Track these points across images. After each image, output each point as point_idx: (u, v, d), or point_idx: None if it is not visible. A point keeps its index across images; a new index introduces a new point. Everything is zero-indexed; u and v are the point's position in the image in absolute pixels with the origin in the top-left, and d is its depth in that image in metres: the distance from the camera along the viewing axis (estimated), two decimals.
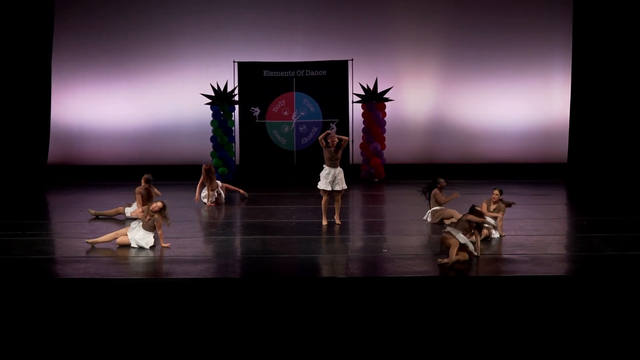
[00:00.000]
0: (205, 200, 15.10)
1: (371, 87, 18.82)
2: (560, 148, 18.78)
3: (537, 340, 8.91)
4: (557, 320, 8.96)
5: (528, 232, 12.08)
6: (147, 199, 13.32)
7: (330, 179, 12.57)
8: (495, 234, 11.65)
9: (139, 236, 11.16)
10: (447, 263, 9.83)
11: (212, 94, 18.66)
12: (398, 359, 8.95)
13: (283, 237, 11.99)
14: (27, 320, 8.92)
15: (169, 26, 19.48)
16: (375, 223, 13.62)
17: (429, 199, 13.11)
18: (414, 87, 19.47)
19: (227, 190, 15.57)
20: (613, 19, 17.74)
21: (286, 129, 18.96)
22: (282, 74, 18.85)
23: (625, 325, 8.95)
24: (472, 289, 9.29)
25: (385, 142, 18.93)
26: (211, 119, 18.64)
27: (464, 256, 10.12)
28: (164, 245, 11.05)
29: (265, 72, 18.87)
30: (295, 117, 18.92)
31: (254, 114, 18.93)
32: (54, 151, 19.42)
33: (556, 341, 8.95)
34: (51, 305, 9.01)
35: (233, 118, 18.88)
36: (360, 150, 19.02)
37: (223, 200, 15.30)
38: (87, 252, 10.92)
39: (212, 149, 18.68)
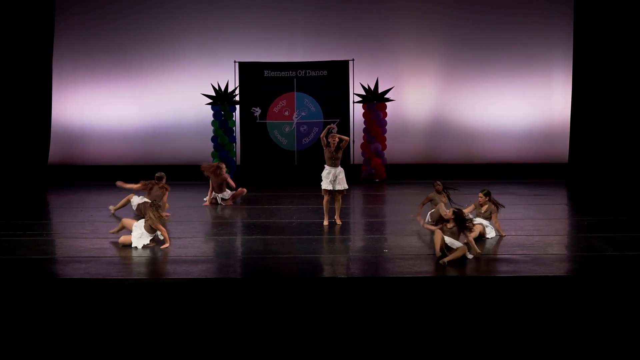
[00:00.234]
0: (219, 199, 15.09)
1: (372, 87, 18.81)
2: (561, 148, 18.75)
3: (538, 340, 8.90)
4: (558, 321, 8.96)
5: (529, 232, 12.07)
6: (148, 192, 13.53)
7: (331, 178, 12.57)
8: (489, 234, 11.64)
9: (136, 234, 11.18)
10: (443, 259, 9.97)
11: (213, 94, 18.65)
12: (398, 359, 8.95)
13: (284, 237, 11.99)
14: (27, 320, 8.92)
15: (170, 26, 19.48)
16: (376, 223, 13.62)
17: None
18: (415, 87, 19.47)
19: (233, 197, 15.36)
20: (614, 18, 17.70)
21: (287, 129, 18.95)
22: (282, 74, 18.84)
23: (626, 326, 8.95)
24: (472, 289, 9.29)
25: (386, 142, 18.92)
26: (212, 119, 18.64)
27: (461, 250, 10.20)
28: (165, 242, 11.06)
29: (266, 72, 18.86)
30: (296, 117, 18.90)
31: (255, 114, 18.92)
32: (55, 151, 19.42)
33: (556, 341, 8.94)
34: (52, 306, 9.01)
35: (234, 118, 18.88)
36: (361, 150, 19.02)
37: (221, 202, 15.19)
38: (88, 252, 10.92)
39: (212, 149, 18.68)
